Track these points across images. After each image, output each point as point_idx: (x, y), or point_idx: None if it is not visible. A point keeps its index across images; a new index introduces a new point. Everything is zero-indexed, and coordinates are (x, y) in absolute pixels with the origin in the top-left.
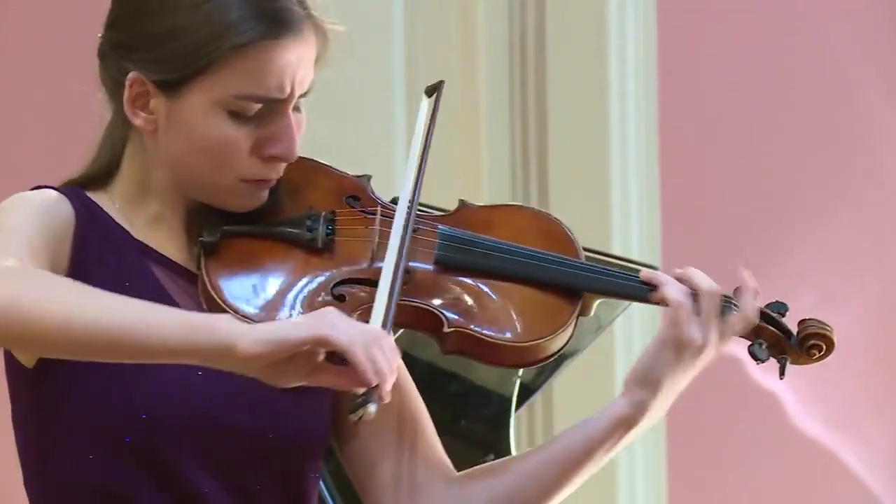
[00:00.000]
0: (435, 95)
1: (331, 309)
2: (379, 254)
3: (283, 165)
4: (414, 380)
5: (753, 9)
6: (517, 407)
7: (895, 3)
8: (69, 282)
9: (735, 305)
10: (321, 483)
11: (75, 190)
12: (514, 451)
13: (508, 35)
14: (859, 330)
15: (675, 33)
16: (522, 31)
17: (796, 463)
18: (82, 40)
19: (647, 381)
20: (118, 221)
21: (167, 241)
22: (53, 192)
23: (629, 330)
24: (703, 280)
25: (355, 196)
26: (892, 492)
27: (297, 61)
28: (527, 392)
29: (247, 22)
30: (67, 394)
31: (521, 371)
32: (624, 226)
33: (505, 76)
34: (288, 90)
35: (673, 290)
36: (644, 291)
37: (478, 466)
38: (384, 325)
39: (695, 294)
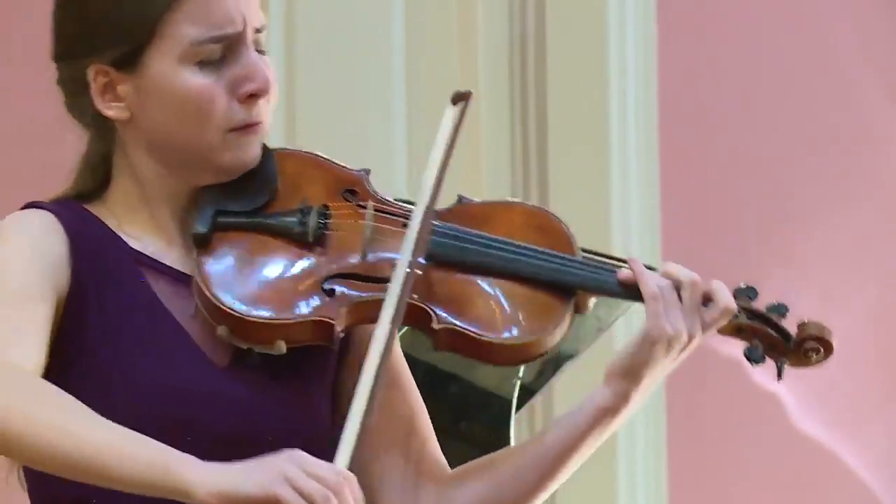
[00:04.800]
0: (461, 106)
1: (292, 456)
2: (370, 247)
3: (265, 106)
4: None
5: (752, 8)
6: (517, 409)
7: (895, 2)
8: (56, 398)
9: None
10: None
11: (70, 205)
12: None
13: (508, 33)
14: (860, 330)
15: (675, 33)
16: (522, 30)
17: (797, 464)
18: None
19: (629, 373)
20: (116, 232)
21: (164, 244)
22: (44, 218)
23: (629, 331)
24: (681, 272)
25: (352, 190)
26: (893, 492)
27: None
28: (527, 394)
29: None
30: None
31: (521, 373)
32: (623, 225)
33: (505, 75)
34: (240, 23)
35: (650, 283)
36: (628, 288)
37: (466, 465)
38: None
39: (676, 287)
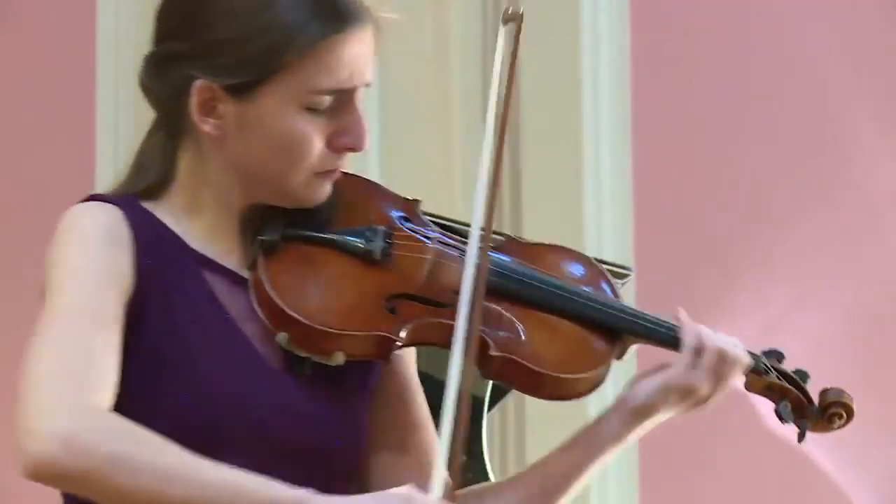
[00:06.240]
0: (515, 26)
1: (409, 495)
2: (433, 272)
3: (349, 156)
4: None
5: (727, 10)
6: (489, 408)
7: (870, 4)
8: (157, 444)
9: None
10: None
11: (129, 200)
12: (486, 451)
13: (482, 37)
14: (833, 331)
15: (649, 35)
16: (496, 31)
17: (769, 464)
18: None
19: (642, 411)
20: (175, 232)
21: (224, 248)
22: (109, 211)
23: None
24: (718, 338)
25: (406, 217)
26: (864, 493)
27: (362, 50)
28: (499, 393)
29: (313, 19)
30: (126, 402)
31: None
32: (597, 228)
33: (478, 79)
34: (357, 79)
35: (692, 337)
36: (678, 342)
37: (473, 488)
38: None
39: (712, 350)
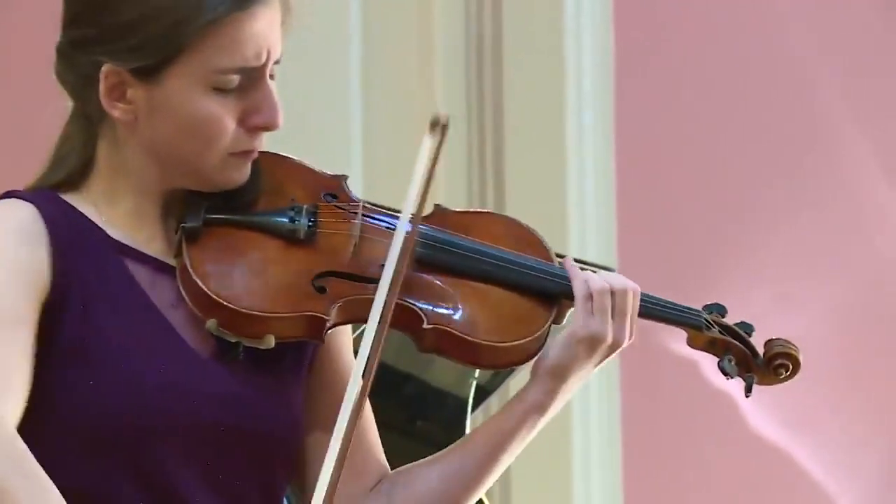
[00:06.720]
0: (439, 133)
1: None
2: (359, 248)
3: (264, 136)
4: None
5: (710, 9)
6: (473, 408)
7: (856, 5)
8: (50, 496)
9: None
10: None
11: (46, 195)
12: None
13: (465, 37)
14: (817, 330)
15: (632, 35)
16: (479, 34)
17: (751, 463)
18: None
19: (555, 371)
20: (95, 222)
21: (146, 236)
22: (24, 212)
23: None
24: (615, 279)
25: (333, 193)
26: (847, 493)
27: (268, 27)
28: (483, 394)
29: None
30: (52, 399)
31: (477, 373)
32: (580, 226)
33: (461, 78)
34: (264, 57)
35: (581, 283)
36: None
37: (400, 469)
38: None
39: (610, 292)
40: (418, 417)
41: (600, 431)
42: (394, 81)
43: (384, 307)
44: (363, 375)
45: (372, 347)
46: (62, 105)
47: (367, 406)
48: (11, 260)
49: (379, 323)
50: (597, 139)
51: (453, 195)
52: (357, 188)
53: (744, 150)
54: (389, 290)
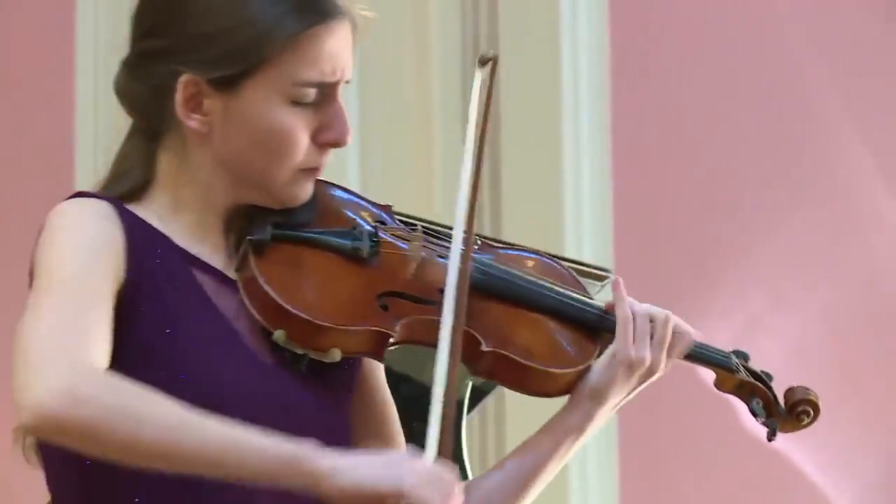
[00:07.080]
0: (490, 67)
1: (406, 456)
2: (420, 271)
3: (331, 153)
4: None
5: (706, 10)
6: (469, 410)
7: (850, 7)
8: (169, 404)
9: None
10: None
11: (114, 201)
12: (465, 454)
13: (461, 37)
14: (811, 331)
15: (628, 35)
16: (475, 34)
17: (749, 465)
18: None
19: (595, 394)
20: (161, 231)
21: (209, 248)
22: (101, 206)
23: None
24: (656, 309)
25: (382, 220)
26: (843, 494)
27: (344, 44)
28: (478, 395)
29: (295, 10)
30: None
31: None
32: (576, 227)
33: (457, 79)
34: (339, 74)
35: (624, 307)
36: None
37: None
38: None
39: (650, 318)
40: (414, 419)
41: (597, 432)
42: (390, 81)
43: (453, 333)
44: (444, 404)
45: (448, 377)
46: (60, 108)
47: (393, 416)
48: (96, 242)
49: (450, 355)
50: (593, 140)
51: (450, 195)
52: (353, 188)
53: (740, 151)
54: (455, 317)
